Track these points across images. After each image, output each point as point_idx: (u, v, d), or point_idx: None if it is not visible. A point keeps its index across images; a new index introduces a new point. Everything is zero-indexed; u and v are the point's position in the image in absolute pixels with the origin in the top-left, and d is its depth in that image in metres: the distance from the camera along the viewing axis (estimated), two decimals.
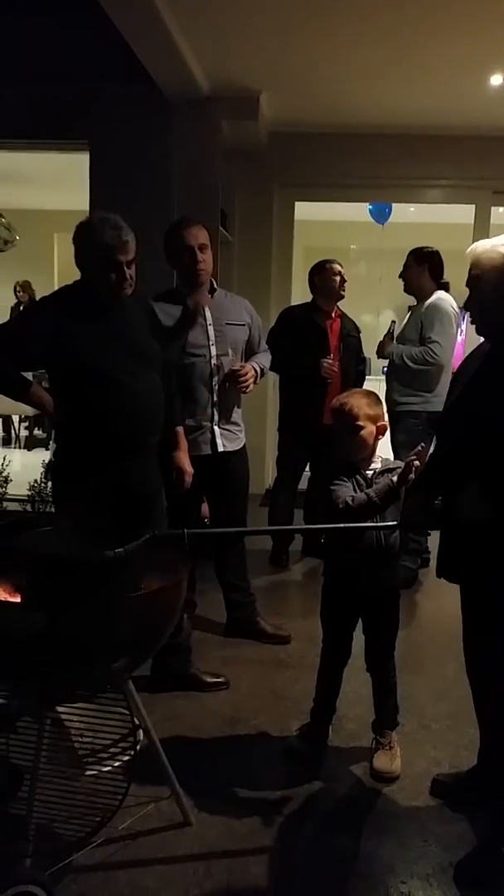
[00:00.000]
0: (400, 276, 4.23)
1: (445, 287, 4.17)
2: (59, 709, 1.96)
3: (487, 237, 5.82)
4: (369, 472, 2.38)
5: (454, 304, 4.08)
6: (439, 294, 4.09)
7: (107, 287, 2.48)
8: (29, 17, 4.39)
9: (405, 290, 4.22)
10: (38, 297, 7.39)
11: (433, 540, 3.94)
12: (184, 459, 2.88)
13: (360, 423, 2.35)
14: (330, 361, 4.18)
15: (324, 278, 4.27)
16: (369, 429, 2.37)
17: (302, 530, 4.75)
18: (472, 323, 2.10)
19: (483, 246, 2.01)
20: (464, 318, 4.66)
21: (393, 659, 2.55)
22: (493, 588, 1.97)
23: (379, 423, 2.41)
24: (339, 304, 4.40)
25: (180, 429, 2.90)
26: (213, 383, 3.15)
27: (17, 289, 8.12)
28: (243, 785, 2.38)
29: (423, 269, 4.13)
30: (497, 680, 2.07)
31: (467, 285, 2.06)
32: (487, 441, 1.90)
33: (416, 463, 2.12)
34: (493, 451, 1.90)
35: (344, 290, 4.32)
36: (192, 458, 3.05)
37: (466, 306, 2.09)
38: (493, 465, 1.90)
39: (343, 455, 2.42)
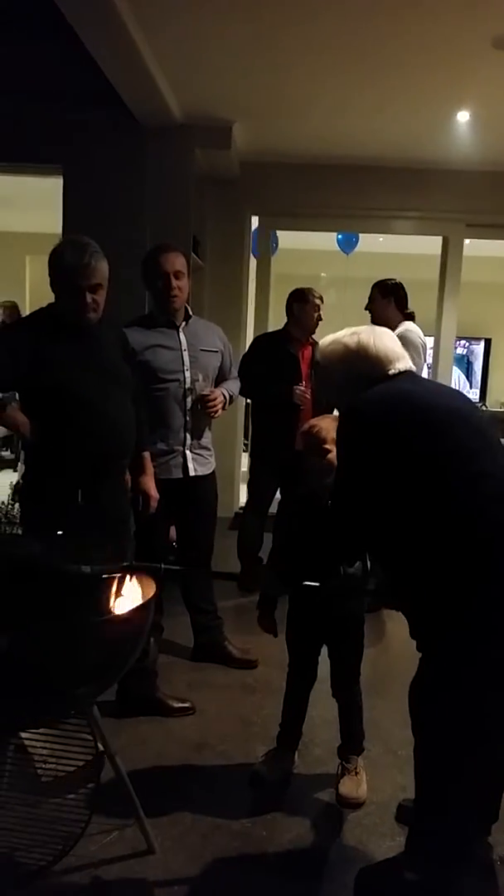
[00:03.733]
0: (366, 309, 4.30)
1: (411, 317, 4.25)
2: (22, 735, 1.94)
3: (460, 268, 5.86)
4: None
5: (421, 335, 4.17)
6: (406, 325, 4.16)
7: (70, 310, 2.48)
8: (2, 41, 4.42)
9: (372, 322, 4.29)
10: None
11: None
12: (150, 484, 2.89)
13: (328, 446, 2.36)
14: (303, 388, 4.21)
15: (303, 310, 4.29)
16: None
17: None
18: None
19: (326, 341, 2.08)
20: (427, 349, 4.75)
21: (358, 684, 2.56)
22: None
23: None
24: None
25: (147, 454, 2.91)
26: (187, 408, 3.17)
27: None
28: (208, 812, 2.36)
29: (388, 301, 4.21)
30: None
31: (314, 375, 2.13)
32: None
33: None
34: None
35: (317, 326, 4.37)
36: (163, 481, 3.06)
37: (317, 393, 2.15)
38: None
39: (312, 479, 2.43)
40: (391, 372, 1.96)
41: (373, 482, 1.83)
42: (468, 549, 1.75)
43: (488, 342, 9.61)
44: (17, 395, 2.60)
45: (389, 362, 1.98)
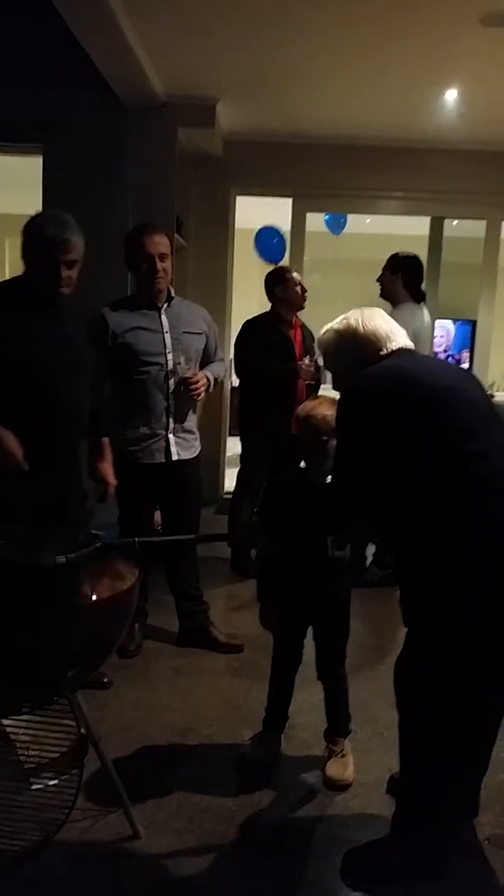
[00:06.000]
0: (377, 281, 4.26)
1: (421, 297, 4.19)
2: (4, 721, 1.92)
3: (440, 249, 5.78)
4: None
5: (413, 319, 4.11)
6: (401, 306, 4.11)
7: (43, 283, 2.48)
8: None
9: (381, 296, 4.23)
10: None
11: None
12: (109, 471, 2.90)
13: (325, 437, 2.30)
14: (308, 363, 4.18)
15: (285, 288, 4.26)
16: (333, 442, 2.27)
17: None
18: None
19: (321, 332, 2.11)
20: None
21: (344, 667, 2.55)
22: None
23: None
24: (297, 313, 4.41)
25: (106, 439, 2.92)
26: (169, 391, 3.13)
27: None
28: (194, 796, 2.35)
29: (396, 277, 4.16)
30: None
31: (325, 367, 2.19)
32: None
33: None
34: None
35: (305, 300, 4.33)
36: (146, 466, 3.03)
37: (335, 386, 2.17)
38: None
39: (308, 464, 2.40)
40: (383, 352, 1.97)
41: (371, 459, 1.84)
42: (461, 532, 1.75)
43: (475, 324, 9.58)
44: None
45: (380, 341, 1.98)
